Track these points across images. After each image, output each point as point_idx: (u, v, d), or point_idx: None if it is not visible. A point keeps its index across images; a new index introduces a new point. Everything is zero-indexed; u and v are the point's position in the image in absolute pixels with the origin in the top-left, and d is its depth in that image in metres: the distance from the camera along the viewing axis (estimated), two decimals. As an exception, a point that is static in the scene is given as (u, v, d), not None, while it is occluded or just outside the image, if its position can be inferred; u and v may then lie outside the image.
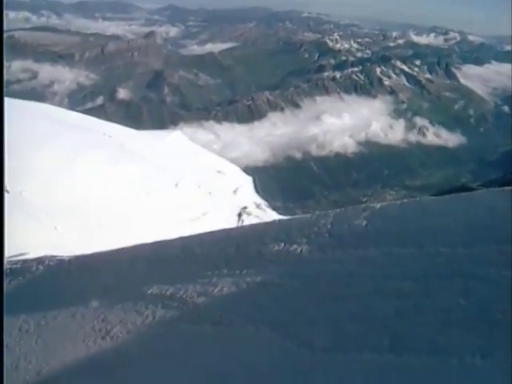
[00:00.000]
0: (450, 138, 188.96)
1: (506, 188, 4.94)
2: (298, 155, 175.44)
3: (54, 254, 8.69)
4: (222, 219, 32.05)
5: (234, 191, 47.45)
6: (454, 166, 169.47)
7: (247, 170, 68.44)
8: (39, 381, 4.69)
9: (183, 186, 34.84)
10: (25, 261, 7.97)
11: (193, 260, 5.68)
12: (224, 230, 6.22)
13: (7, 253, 9.69)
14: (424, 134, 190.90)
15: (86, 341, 5.04)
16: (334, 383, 3.63)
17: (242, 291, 4.77)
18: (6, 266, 7.37)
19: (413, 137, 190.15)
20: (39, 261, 7.59)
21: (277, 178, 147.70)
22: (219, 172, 51.20)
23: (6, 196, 20.47)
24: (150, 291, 5.35)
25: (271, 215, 42.92)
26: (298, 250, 4.97)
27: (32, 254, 8.94)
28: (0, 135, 4.36)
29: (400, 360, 3.52)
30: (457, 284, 3.89)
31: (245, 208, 31.97)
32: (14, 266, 7.65)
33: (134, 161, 35.33)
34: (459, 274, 3.97)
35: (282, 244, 5.15)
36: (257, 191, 54.81)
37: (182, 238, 6.31)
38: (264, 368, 3.93)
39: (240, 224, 28.42)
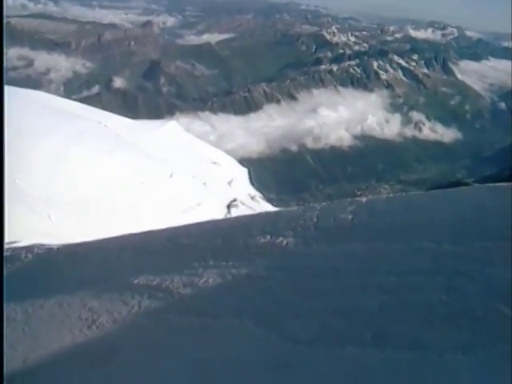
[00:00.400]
0: (446, 133, 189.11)
1: (492, 184, 5.01)
2: (294, 148, 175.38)
3: (47, 242, 8.68)
4: (216, 210, 32.10)
5: (229, 182, 47.46)
6: (449, 162, 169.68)
7: (242, 161, 68.44)
8: (25, 369, 4.69)
9: (178, 176, 34.84)
10: (14, 249, 7.97)
11: (179, 251, 5.71)
12: (211, 221, 6.24)
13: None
14: (420, 129, 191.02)
15: (73, 330, 5.05)
16: (316, 377, 3.64)
17: (228, 283, 4.79)
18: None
19: (409, 131, 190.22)
20: (28, 249, 7.61)
21: (272, 170, 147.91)
22: (214, 163, 51.19)
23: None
24: (136, 281, 5.37)
25: (265, 207, 42.95)
26: (284, 243, 5.00)
27: (24, 243, 8.92)
28: (0, 126, 4.36)
29: (382, 355, 3.54)
30: (440, 280, 3.92)
31: (234, 200, 31.91)
32: (4, 253, 7.54)
33: (129, 150, 35.29)
34: (443, 271, 3.99)
35: (269, 236, 5.18)
36: (252, 183, 54.82)
37: (169, 229, 6.34)
38: (247, 360, 3.95)
39: (228, 216, 28.42)
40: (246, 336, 4.16)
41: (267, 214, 6.10)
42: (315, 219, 5.17)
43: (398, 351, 3.51)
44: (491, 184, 5.06)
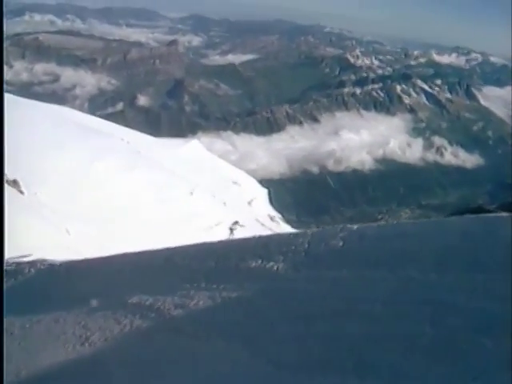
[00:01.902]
0: (468, 159, 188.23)
1: (484, 215, 5.03)
2: (315, 169, 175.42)
3: (63, 257, 8.75)
4: (236, 230, 32.08)
5: (249, 202, 47.55)
6: (471, 187, 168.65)
7: (263, 182, 68.57)
8: (17, 382, 4.75)
9: (198, 194, 34.95)
10: (19, 263, 8.14)
11: (174, 271, 5.82)
12: (206, 243, 6.32)
13: (13, 252, 9.78)
14: (442, 154, 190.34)
15: (66, 346, 5.15)
16: None
17: (218, 306, 4.85)
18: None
19: (430, 156, 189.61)
20: (32, 264, 7.78)
21: (292, 192, 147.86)
22: (235, 183, 51.31)
23: (22, 197, 20.49)
24: (130, 300, 5.48)
25: (284, 228, 42.88)
26: (275, 268, 5.05)
27: (37, 256, 8.96)
28: (0, 127, 4.32)
29: (362, 383, 3.51)
30: (425, 311, 3.90)
31: (236, 223, 31.86)
32: (9, 267, 7.77)
33: (151, 168, 35.46)
34: (429, 301, 3.98)
35: (260, 260, 5.24)
36: (271, 204, 54.87)
37: (167, 249, 6.45)
38: (231, 383, 3.98)
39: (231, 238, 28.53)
40: (231, 359, 4.19)
41: (260, 237, 6.17)
42: (306, 245, 5.21)
43: (378, 382, 3.49)
44: (484, 214, 5.07)
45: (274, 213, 51.90)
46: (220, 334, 4.48)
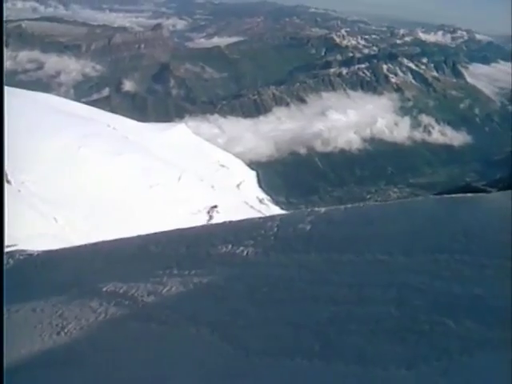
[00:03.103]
0: (456, 137, 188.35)
1: (447, 196, 5.09)
2: (303, 151, 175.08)
3: (53, 245, 8.79)
4: (225, 213, 32.05)
5: (238, 185, 47.47)
6: (459, 165, 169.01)
7: (251, 164, 68.47)
8: None
9: (186, 179, 34.89)
10: None
11: (147, 259, 5.89)
12: (178, 229, 6.38)
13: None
14: (429, 132, 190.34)
15: (43, 335, 5.24)
16: None
17: (189, 292, 4.92)
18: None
19: (418, 135, 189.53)
20: (10, 255, 7.81)
21: (281, 174, 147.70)
22: (223, 166, 51.20)
23: (8, 186, 20.36)
24: (105, 289, 5.54)
25: (274, 210, 42.91)
26: (245, 253, 5.12)
27: (23, 246, 8.96)
28: (0, 127, 4.31)
29: (328, 367, 3.59)
30: (390, 293, 3.97)
31: (214, 207, 31.82)
32: (4, 255, 7.73)
33: (138, 153, 35.36)
34: (394, 283, 4.05)
35: (230, 246, 5.31)
36: (260, 186, 54.80)
37: (139, 237, 6.54)
38: (199, 369, 4.05)
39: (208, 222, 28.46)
40: (200, 345, 4.27)
41: (230, 223, 6.27)
42: (275, 229, 5.28)
43: (344, 364, 3.55)
44: (446, 195, 5.13)
45: (262, 195, 51.82)
46: (190, 320, 4.53)
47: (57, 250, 7.54)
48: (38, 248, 8.18)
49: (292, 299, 4.29)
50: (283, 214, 5.90)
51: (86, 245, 7.24)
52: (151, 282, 5.24)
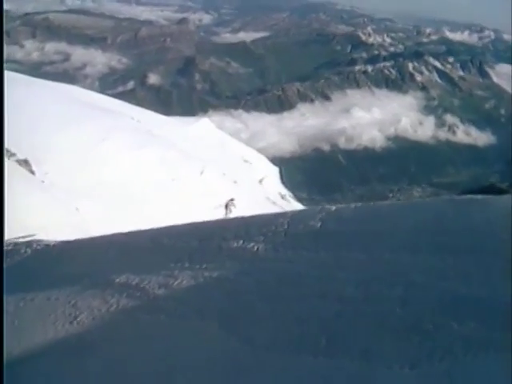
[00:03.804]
0: (480, 137, 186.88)
1: (458, 197, 5.14)
2: (326, 147, 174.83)
3: (73, 235, 8.88)
4: (246, 208, 32.07)
5: (260, 181, 47.54)
6: (482, 166, 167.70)
7: (274, 160, 68.55)
8: (9, 359, 4.88)
9: (208, 173, 34.93)
10: (17, 243, 8.33)
11: (160, 251, 5.97)
12: (190, 223, 6.46)
13: (20, 232, 9.85)
14: (454, 132, 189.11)
15: (56, 324, 5.32)
16: (268, 382, 3.77)
17: (199, 285, 4.99)
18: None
19: (442, 134, 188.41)
20: (28, 244, 7.94)
21: (303, 170, 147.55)
22: (245, 161, 51.31)
23: (32, 177, 20.52)
24: (117, 280, 5.62)
25: (295, 207, 42.86)
26: (255, 248, 5.18)
27: (44, 236, 9.06)
28: (0, 127, 4.35)
29: (333, 363, 3.63)
30: (396, 291, 4.02)
31: (232, 200, 31.80)
32: (7, 247, 7.92)
33: (161, 146, 35.45)
34: (400, 282, 4.10)
35: (241, 241, 5.37)
36: (282, 182, 54.89)
37: (153, 229, 6.63)
38: (206, 362, 4.12)
39: (227, 216, 28.39)
40: (208, 338, 4.32)
41: (242, 218, 6.34)
42: (286, 225, 5.34)
43: (349, 360, 3.60)
44: (457, 196, 5.19)
45: (284, 191, 51.88)
46: (199, 313, 4.60)
47: (73, 241, 7.63)
48: (59, 238, 8.24)
49: (299, 295, 4.34)
50: (294, 211, 6.00)
51: (101, 236, 7.41)
52: (163, 275, 5.31)
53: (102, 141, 30.82)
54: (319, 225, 5.10)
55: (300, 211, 6.10)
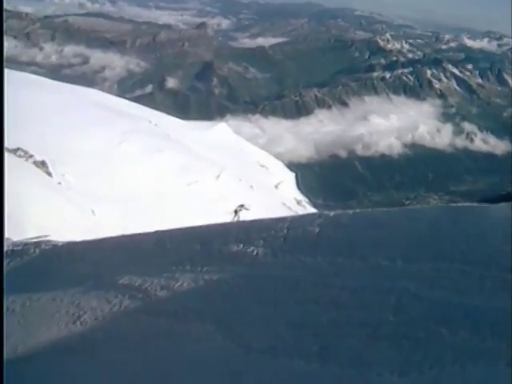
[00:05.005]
0: (498, 145, 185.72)
1: (454, 205, 5.21)
2: (343, 154, 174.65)
3: (90, 238, 8.95)
4: (262, 213, 32.05)
5: (276, 186, 47.61)
6: (500, 174, 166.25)
7: (291, 165, 68.60)
8: (14, 358, 4.97)
9: (225, 178, 35.00)
10: (26, 243, 8.39)
11: (163, 254, 6.06)
12: (193, 227, 6.56)
13: (35, 233, 9.89)
14: (472, 140, 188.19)
15: (59, 324, 5.41)
16: None
17: (199, 288, 5.09)
18: (9, 247, 7.85)
19: (460, 142, 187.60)
20: (37, 244, 8.02)
21: (320, 176, 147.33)
22: (262, 166, 51.38)
23: (49, 179, 20.66)
24: (121, 281, 5.72)
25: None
26: (254, 253, 5.25)
27: (57, 237, 9.11)
28: (0, 126, 4.38)
29: (324, 369, 3.71)
30: (389, 299, 4.08)
31: (242, 206, 31.80)
32: (16, 247, 8.02)
33: (178, 150, 35.60)
34: (393, 289, 4.15)
35: (241, 245, 5.45)
36: (299, 187, 54.88)
37: (158, 232, 6.72)
38: (201, 364, 4.20)
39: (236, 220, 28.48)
40: (205, 341, 4.41)
41: (243, 222, 6.52)
42: (285, 231, 5.41)
43: (340, 367, 3.66)
44: (453, 204, 5.25)
45: (300, 197, 51.89)
46: (198, 316, 4.68)
47: (80, 242, 7.72)
48: (73, 240, 8.30)
49: (295, 301, 4.41)
50: (294, 216, 6.05)
51: (107, 238, 7.51)
52: (164, 277, 5.42)
53: (119, 144, 31.00)
54: (317, 230, 5.17)
55: (299, 216, 6.26)
